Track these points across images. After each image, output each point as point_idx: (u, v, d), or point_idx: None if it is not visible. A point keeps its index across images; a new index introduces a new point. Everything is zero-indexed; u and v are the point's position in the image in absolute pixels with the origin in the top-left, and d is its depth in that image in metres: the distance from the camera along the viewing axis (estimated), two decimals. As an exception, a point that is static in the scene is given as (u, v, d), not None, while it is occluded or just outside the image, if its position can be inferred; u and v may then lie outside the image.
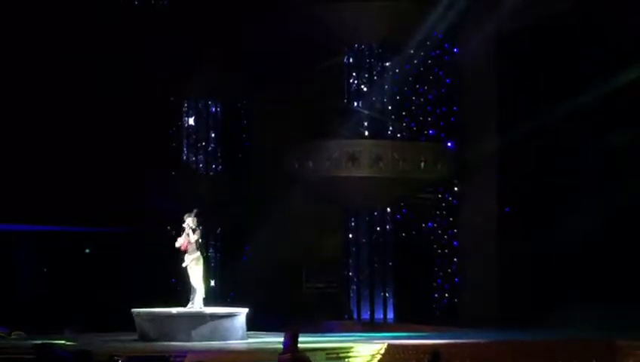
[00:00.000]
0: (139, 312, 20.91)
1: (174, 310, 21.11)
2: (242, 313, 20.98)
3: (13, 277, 27.88)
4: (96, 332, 22.62)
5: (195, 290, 21.03)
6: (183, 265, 21.10)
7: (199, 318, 20.55)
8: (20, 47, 25.75)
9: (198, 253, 21.09)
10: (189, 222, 21.06)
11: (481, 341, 20.90)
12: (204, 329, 20.42)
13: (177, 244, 21.02)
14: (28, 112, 25.98)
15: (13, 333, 22.25)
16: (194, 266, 20.95)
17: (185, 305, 21.25)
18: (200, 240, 21.24)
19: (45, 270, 28.50)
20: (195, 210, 21.29)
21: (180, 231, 21.41)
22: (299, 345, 19.78)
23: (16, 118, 25.86)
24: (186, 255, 21.10)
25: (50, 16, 25.88)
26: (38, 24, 25.85)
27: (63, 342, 19.45)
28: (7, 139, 25.78)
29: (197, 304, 20.93)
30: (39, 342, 18.53)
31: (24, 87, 25.85)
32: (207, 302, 21.41)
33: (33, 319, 23.81)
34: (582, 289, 24.39)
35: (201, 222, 21.29)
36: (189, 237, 20.93)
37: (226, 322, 20.77)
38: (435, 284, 28.17)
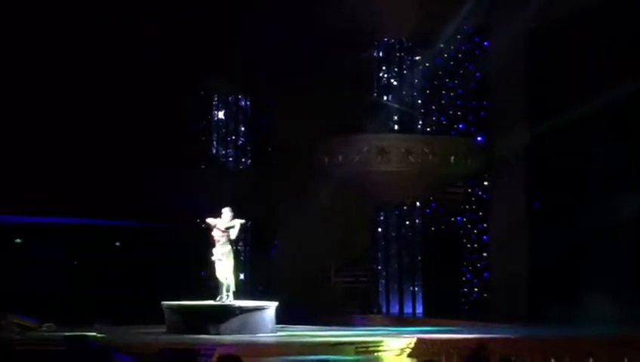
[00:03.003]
0: (169, 305, 20.97)
1: (204, 303, 21.15)
2: (272, 306, 21.00)
3: (44, 270, 28.07)
4: (125, 324, 22.72)
5: (222, 284, 21.04)
6: (213, 258, 21.12)
7: (229, 312, 20.59)
8: (53, 39, 25.91)
9: (230, 247, 21.12)
10: (225, 215, 21.09)
11: (511, 336, 20.81)
12: (234, 322, 20.47)
13: (211, 222, 21.05)
14: (61, 106, 26.15)
15: (43, 325, 22.40)
16: (225, 259, 20.97)
17: (214, 298, 21.30)
18: (236, 236, 21.25)
19: (75, 263, 28.68)
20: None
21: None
22: (325, 339, 19.87)
23: (49, 112, 26.04)
24: (215, 248, 21.11)
25: (85, 9, 26.02)
26: (72, 19, 25.99)
27: (93, 334, 19.55)
28: (39, 132, 25.96)
29: (227, 297, 20.97)
30: (70, 333, 18.71)
31: (57, 81, 26.02)
32: (237, 295, 21.45)
33: (63, 311, 23.96)
34: (613, 285, 24.20)
35: (243, 223, 21.27)
36: (223, 230, 20.92)
37: (255, 315, 20.81)
38: (464, 279, 28.09)
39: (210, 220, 21.15)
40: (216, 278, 21.15)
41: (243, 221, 21.09)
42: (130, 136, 26.59)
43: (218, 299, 21.03)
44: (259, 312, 20.89)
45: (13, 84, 25.66)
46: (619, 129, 25.15)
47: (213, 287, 21.75)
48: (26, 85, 25.77)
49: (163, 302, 21.06)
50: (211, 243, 21.27)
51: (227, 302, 20.85)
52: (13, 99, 25.80)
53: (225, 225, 21.03)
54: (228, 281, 21.01)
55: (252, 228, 29.55)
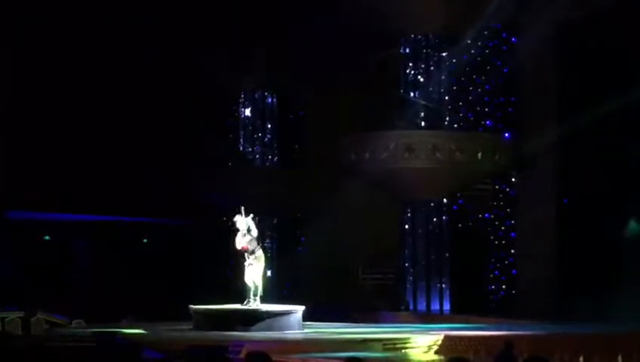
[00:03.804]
0: (197, 309, 20.99)
1: (231, 307, 21.08)
2: (298, 311, 20.97)
3: (73, 267, 28.25)
4: (153, 321, 22.79)
5: (250, 288, 20.94)
6: (246, 263, 21.01)
7: (256, 316, 20.58)
8: (79, 42, 26.06)
9: (260, 252, 20.98)
10: (240, 222, 20.96)
11: (539, 333, 20.71)
12: (261, 325, 20.46)
13: (238, 246, 20.92)
14: (88, 107, 26.29)
15: (73, 322, 22.53)
16: (256, 264, 20.87)
17: (241, 295, 21.27)
18: (257, 236, 21.08)
19: (104, 260, 28.84)
20: (242, 208, 21.07)
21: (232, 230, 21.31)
22: (353, 336, 19.85)
23: (75, 113, 26.18)
24: (248, 254, 20.98)
25: (114, 10, 26.15)
26: (103, 23, 26.14)
27: (122, 330, 19.63)
28: (68, 132, 26.11)
29: (254, 301, 20.88)
30: (100, 330, 18.80)
31: (82, 83, 26.16)
32: (264, 293, 21.40)
33: (92, 308, 24.09)
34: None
35: (253, 217, 21.08)
36: (245, 237, 20.80)
37: (282, 319, 20.80)
38: (491, 276, 27.98)
39: (240, 245, 20.95)
40: (245, 282, 21.04)
41: (251, 215, 20.93)
42: (157, 133, 26.68)
43: (245, 303, 20.96)
44: (286, 316, 20.86)
45: (47, 87, 25.85)
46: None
47: (239, 286, 21.67)
48: (59, 88, 25.95)
49: (191, 306, 21.07)
50: (241, 253, 21.13)
51: (254, 307, 20.79)
52: (49, 103, 26.00)
53: (244, 233, 20.89)
54: (256, 285, 20.93)
55: (279, 225, 29.62)
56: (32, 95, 25.85)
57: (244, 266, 21.02)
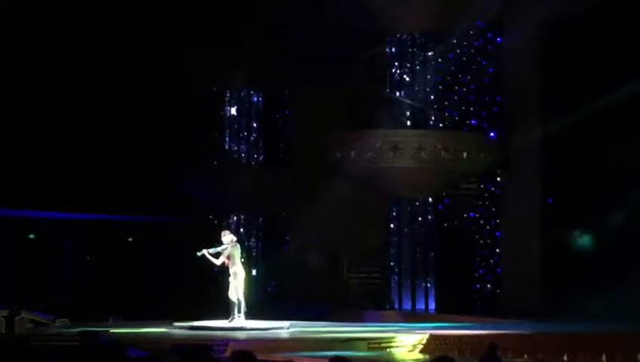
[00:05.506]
0: (180, 326, 20.89)
1: (216, 324, 20.90)
2: (284, 326, 20.90)
3: (57, 266, 28.17)
4: (138, 320, 22.76)
5: (234, 304, 20.82)
6: (230, 279, 20.96)
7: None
8: (63, 37, 25.99)
9: (235, 268, 20.81)
10: (226, 239, 20.94)
11: (524, 332, 20.78)
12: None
13: (218, 262, 20.89)
14: (73, 104, 26.22)
15: (57, 320, 22.46)
16: (232, 280, 20.75)
17: (227, 291, 21.19)
18: (239, 254, 21.01)
19: (89, 258, 28.78)
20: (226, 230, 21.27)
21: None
22: (338, 335, 19.86)
23: (61, 110, 26.10)
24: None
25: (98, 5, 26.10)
26: (86, 14, 26.06)
27: (106, 329, 19.60)
28: (54, 130, 26.05)
29: (238, 318, 20.75)
30: (84, 329, 18.76)
31: (67, 80, 26.09)
32: (248, 291, 21.34)
33: (77, 307, 24.04)
34: (627, 280, 24.14)
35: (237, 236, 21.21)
36: (227, 255, 20.80)
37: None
38: (477, 275, 28.04)
39: (220, 261, 20.94)
40: (229, 298, 20.92)
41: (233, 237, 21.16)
42: (143, 132, 26.63)
43: (230, 319, 20.84)
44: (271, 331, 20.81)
45: (31, 83, 25.77)
46: (634, 123, 25.03)
47: (224, 283, 21.60)
48: (44, 84, 25.89)
49: (175, 323, 21.00)
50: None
51: (239, 324, 20.68)
52: (34, 100, 25.92)
53: (217, 251, 20.92)
54: (239, 300, 20.83)
55: (264, 224, 29.60)
56: (15, 91, 25.75)
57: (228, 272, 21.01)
